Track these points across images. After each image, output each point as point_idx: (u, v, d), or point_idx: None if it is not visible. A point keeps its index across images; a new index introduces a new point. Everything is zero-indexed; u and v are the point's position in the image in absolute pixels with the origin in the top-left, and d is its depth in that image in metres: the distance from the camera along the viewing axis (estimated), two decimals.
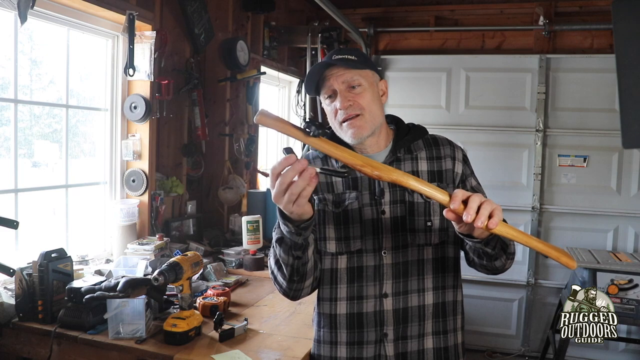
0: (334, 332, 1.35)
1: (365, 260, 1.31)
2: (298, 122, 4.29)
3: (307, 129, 1.06)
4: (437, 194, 1.05)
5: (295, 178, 1.02)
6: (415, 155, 1.36)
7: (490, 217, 1.01)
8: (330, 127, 1.35)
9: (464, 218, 1.01)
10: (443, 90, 4.09)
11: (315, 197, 1.35)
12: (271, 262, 1.31)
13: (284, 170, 1.03)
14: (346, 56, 1.29)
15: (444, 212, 1.05)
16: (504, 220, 1.05)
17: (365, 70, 1.31)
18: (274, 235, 1.24)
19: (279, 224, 1.18)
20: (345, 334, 1.34)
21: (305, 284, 1.30)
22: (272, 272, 1.31)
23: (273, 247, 1.27)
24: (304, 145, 4.23)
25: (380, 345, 1.31)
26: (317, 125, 1.05)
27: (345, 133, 1.30)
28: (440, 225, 1.32)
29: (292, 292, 1.31)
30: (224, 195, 3.03)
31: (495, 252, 1.21)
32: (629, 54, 1.18)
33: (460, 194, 1.03)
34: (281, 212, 1.14)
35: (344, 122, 1.29)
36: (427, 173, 1.35)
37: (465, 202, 1.02)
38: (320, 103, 1.38)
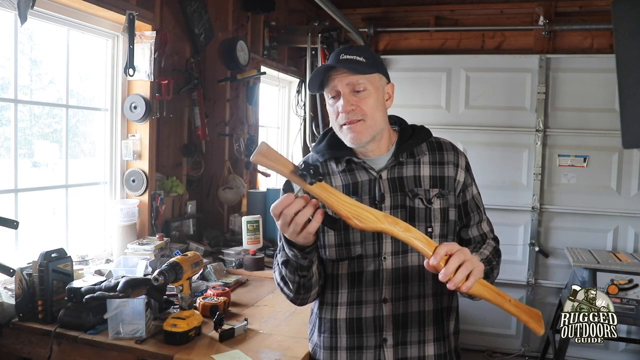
0: (334, 337, 1.36)
1: (365, 266, 1.31)
2: (298, 121, 4.29)
3: (308, 178, 1.06)
4: (421, 246, 1.07)
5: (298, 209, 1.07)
6: (418, 160, 1.35)
7: (469, 275, 1.05)
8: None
9: (440, 277, 1.05)
10: (443, 90, 4.09)
11: None
12: (276, 276, 1.33)
13: (285, 209, 1.07)
14: (354, 57, 1.26)
15: (424, 262, 1.08)
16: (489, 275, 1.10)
17: (373, 74, 1.29)
18: (279, 258, 1.27)
19: (284, 248, 1.22)
20: (345, 339, 1.34)
21: (312, 293, 1.33)
22: (279, 285, 1.34)
23: (278, 265, 1.30)
24: (305, 152, 4.23)
25: (379, 350, 1.31)
26: (311, 174, 1.05)
27: (345, 136, 1.30)
28: (441, 231, 1.31)
29: (299, 301, 1.36)
30: (224, 195, 3.03)
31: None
32: (629, 54, 1.18)
33: (443, 250, 1.05)
34: (286, 239, 1.17)
35: (344, 125, 1.28)
36: (429, 178, 1.34)
37: (448, 255, 1.05)
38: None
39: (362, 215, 1.08)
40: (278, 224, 1.10)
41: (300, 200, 1.07)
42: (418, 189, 1.32)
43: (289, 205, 1.07)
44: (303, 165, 1.06)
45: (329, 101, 1.31)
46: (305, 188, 1.07)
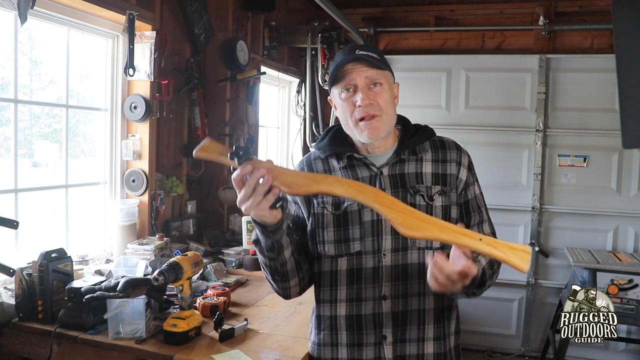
0: (334, 333, 1.35)
1: (364, 262, 1.30)
2: (298, 121, 4.29)
3: (235, 159, 1.07)
4: (377, 206, 1.07)
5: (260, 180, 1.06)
6: (420, 157, 1.35)
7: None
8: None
9: None
10: (443, 90, 4.08)
11: (314, 201, 1.35)
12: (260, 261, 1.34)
13: (247, 178, 1.06)
14: (369, 53, 1.28)
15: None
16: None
17: (386, 70, 1.32)
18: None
19: None
20: (346, 336, 1.34)
21: (290, 284, 1.33)
22: (263, 270, 1.35)
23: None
24: (305, 147, 4.23)
25: (379, 347, 1.31)
26: (240, 155, 1.07)
27: (360, 132, 1.29)
28: None
29: (280, 291, 1.35)
30: (224, 195, 3.03)
31: (474, 291, 1.23)
32: (629, 54, 1.18)
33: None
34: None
35: (361, 120, 1.28)
36: (432, 175, 1.33)
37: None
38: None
39: (295, 182, 1.08)
40: (239, 196, 1.09)
41: (261, 171, 1.06)
42: (419, 185, 1.31)
43: (248, 173, 1.07)
44: (234, 149, 1.08)
45: (341, 96, 1.31)
46: (236, 167, 1.08)
